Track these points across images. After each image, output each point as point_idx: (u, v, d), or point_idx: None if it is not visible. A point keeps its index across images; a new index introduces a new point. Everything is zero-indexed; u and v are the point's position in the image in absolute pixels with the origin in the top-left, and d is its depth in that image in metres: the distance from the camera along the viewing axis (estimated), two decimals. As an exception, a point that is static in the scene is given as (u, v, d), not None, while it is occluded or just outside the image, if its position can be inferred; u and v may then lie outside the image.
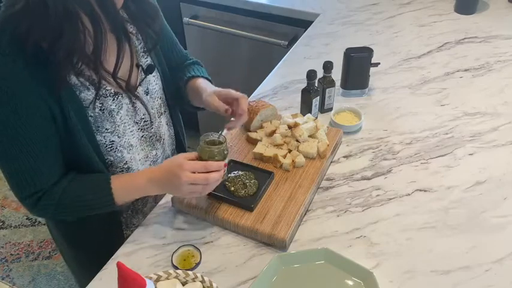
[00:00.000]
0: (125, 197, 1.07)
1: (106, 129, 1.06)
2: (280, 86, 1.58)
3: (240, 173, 1.18)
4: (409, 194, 1.19)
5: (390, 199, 1.18)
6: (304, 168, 1.21)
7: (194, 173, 0.99)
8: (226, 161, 1.07)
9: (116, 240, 1.17)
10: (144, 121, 1.15)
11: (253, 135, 1.30)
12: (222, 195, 1.13)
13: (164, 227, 1.13)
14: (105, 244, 1.16)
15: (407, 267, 1.02)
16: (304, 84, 1.36)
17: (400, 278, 1.00)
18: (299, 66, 1.64)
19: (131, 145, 1.13)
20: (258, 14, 2.09)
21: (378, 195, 1.19)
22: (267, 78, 1.63)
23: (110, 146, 1.09)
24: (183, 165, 0.99)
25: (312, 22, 1.94)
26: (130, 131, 1.12)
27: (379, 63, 1.48)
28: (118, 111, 1.07)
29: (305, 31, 1.89)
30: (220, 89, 1.16)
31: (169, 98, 1.24)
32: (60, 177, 1.04)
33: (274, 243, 1.06)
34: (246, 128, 1.33)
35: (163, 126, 1.23)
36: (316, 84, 1.36)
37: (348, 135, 1.36)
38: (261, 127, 1.32)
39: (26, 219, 2.43)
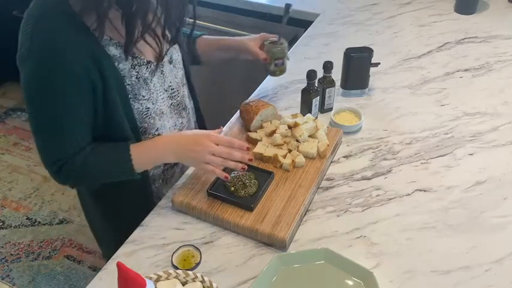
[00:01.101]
0: (143, 162, 1.11)
1: (143, 96, 1.13)
2: (280, 86, 1.58)
3: (240, 173, 1.18)
4: (409, 194, 1.19)
5: (390, 199, 1.18)
6: (304, 168, 1.21)
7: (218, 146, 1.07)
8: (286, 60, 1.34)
9: (145, 209, 1.20)
10: (172, 89, 1.22)
11: (253, 135, 1.30)
12: (222, 195, 1.13)
13: (164, 227, 1.13)
14: (134, 213, 1.20)
15: (407, 267, 1.02)
16: (304, 84, 1.36)
17: (400, 278, 1.00)
18: (299, 66, 1.64)
19: (162, 112, 1.20)
20: (258, 14, 2.09)
21: (378, 195, 1.19)
22: (267, 78, 1.63)
23: (146, 112, 1.15)
24: (210, 135, 1.09)
25: (312, 22, 1.94)
26: (162, 98, 1.19)
27: (379, 63, 1.48)
28: (151, 79, 1.14)
29: (305, 31, 1.89)
30: (254, 36, 1.37)
31: (187, 70, 1.32)
32: (85, 146, 1.09)
33: (274, 243, 1.06)
34: (246, 128, 1.33)
35: (186, 96, 1.31)
36: (316, 84, 1.36)
37: (348, 135, 1.36)
38: (261, 127, 1.32)
39: (26, 219, 2.43)
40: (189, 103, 1.34)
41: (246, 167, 1.13)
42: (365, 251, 1.06)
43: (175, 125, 1.26)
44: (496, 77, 1.59)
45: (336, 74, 1.46)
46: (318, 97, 1.38)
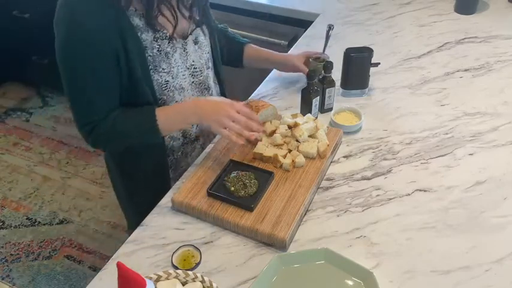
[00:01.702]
0: (168, 123, 1.18)
1: (163, 69, 1.19)
2: (280, 86, 1.58)
3: (240, 173, 1.18)
4: (409, 194, 1.19)
5: (390, 199, 1.18)
6: (304, 168, 1.21)
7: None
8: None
9: (163, 182, 1.31)
10: (194, 68, 1.29)
11: (253, 135, 1.30)
12: (222, 195, 1.13)
13: (164, 227, 1.13)
14: (153, 183, 1.31)
15: (407, 267, 1.02)
16: (304, 84, 1.36)
17: (400, 278, 1.00)
18: (299, 66, 1.64)
19: (182, 88, 1.27)
20: (258, 14, 2.09)
21: (378, 195, 1.19)
22: (267, 78, 1.63)
23: (165, 85, 1.22)
24: (234, 103, 1.16)
25: (312, 22, 1.94)
26: (183, 75, 1.26)
27: (379, 63, 1.48)
28: (173, 54, 1.21)
29: (305, 31, 1.89)
30: (298, 53, 1.50)
31: (215, 58, 1.38)
32: (113, 109, 1.17)
33: (274, 243, 1.06)
34: (246, 128, 1.34)
35: (211, 79, 1.37)
36: (316, 84, 1.36)
37: (348, 135, 1.36)
38: (261, 127, 1.32)
39: (26, 219, 2.43)
40: (214, 87, 1.39)
41: (260, 139, 1.22)
42: (365, 251, 1.06)
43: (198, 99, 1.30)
44: (496, 77, 1.59)
45: (336, 74, 1.46)
46: (318, 97, 1.38)
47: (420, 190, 1.20)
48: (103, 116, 1.16)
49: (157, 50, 1.17)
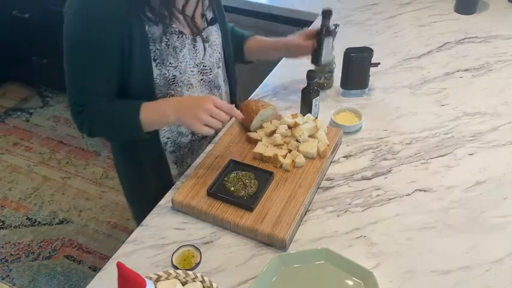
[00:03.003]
0: (150, 120, 1.15)
1: (170, 63, 1.18)
2: (280, 86, 1.58)
3: (240, 173, 1.18)
4: (409, 194, 1.19)
5: (390, 199, 1.18)
6: (304, 168, 1.21)
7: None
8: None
9: (165, 176, 1.32)
10: (204, 65, 1.27)
11: (253, 135, 1.30)
12: (222, 195, 1.13)
13: (164, 227, 1.13)
14: (155, 179, 1.32)
15: (407, 267, 1.02)
16: (304, 84, 1.36)
17: (400, 278, 1.00)
18: (299, 66, 1.64)
19: (191, 84, 1.25)
20: (258, 14, 2.09)
21: (378, 195, 1.19)
22: (267, 78, 1.63)
23: (172, 80, 1.21)
24: (212, 97, 1.13)
25: (312, 22, 1.94)
26: (191, 71, 1.24)
27: (379, 63, 1.48)
28: (181, 49, 1.19)
29: (305, 31, 1.89)
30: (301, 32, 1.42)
31: (227, 55, 1.37)
32: (103, 96, 1.16)
33: (274, 243, 1.06)
34: (246, 128, 1.34)
35: (221, 78, 1.36)
36: (315, 85, 1.36)
37: (348, 135, 1.36)
38: (261, 127, 1.32)
39: (26, 219, 2.43)
40: (223, 86, 1.38)
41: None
42: (365, 251, 1.06)
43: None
44: (496, 77, 1.59)
45: (336, 74, 1.46)
46: (318, 97, 1.38)
47: (420, 190, 1.20)
48: (93, 100, 1.16)
49: (166, 44, 1.16)
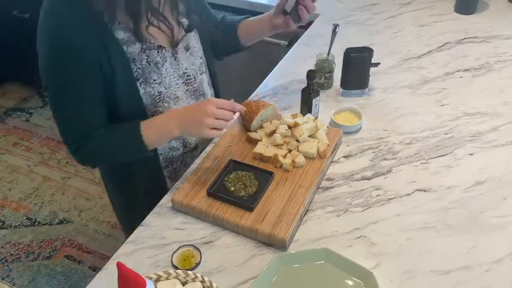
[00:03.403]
0: (153, 138, 1.13)
1: (154, 80, 1.16)
2: (280, 86, 1.58)
3: (240, 173, 1.18)
4: (409, 194, 1.19)
5: (390, 199, 1.18)
6: (304, 168, 1.21)
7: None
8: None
9: (159, 190, 1.25)
10: (187, 75, 1.25)
11: (253, 135, 1.30)
12: (222, 195, 1.13)
13: (164, 227, 1.13)
14: (148, 194, 1.27)
15: (407, 267, 1.02)
16: (304, 84, 1.36)
17: (400, 278, 1.00)
18: (299, 66, 1.64)
19: (177, 97, 1.24)
20: (258, 14, 2.08)
21: (378, 195, 1.19)
22: (267, 78, 1.63)
23: (158, 96, 1.19)
24: (211, 100, 1.10)
25: (312, 22, 1.94)
26: (176, 84, 1.22)
27: (379, 63, 1.48)
28: (163, 64, 1.17)
29: (305, 31, 1.89)
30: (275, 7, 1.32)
31: (209, 60, 1.34)
32: (99, 126, 1.13)
33: (274, 243, 1.06)
34: (246, 128, 1.34)
35: (206, 84, 1.34)
36: (315, 85, 1.36)
37: (348, 135, 1.36)
38: (261, 127, 1.32)
39: (26, 219, 2.43)
40: (209, 90, 1.36)
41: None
42: (365, 251, 1.06)
43: None
44: (496, 77, 1.59)
45: (336, 74, 1.46)
46: (318, 97, 1.38)
47: (420, 190, 1.20)
48: (89, 133, 1.12)
49: (146, 62, 1.13)
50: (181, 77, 1.23)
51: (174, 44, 1.18)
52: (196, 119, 1.08)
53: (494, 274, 1.00)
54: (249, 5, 2.08)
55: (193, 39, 1.25)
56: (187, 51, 1.23)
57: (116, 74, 1.09)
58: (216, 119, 1.08)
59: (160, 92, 1.19)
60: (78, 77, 1.06)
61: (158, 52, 1.15)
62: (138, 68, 1.13)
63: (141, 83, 1.14)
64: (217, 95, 1.42)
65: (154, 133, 1.13)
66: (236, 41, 1.43)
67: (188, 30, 1.23)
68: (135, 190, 1.33)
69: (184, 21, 1.22)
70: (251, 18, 1.43)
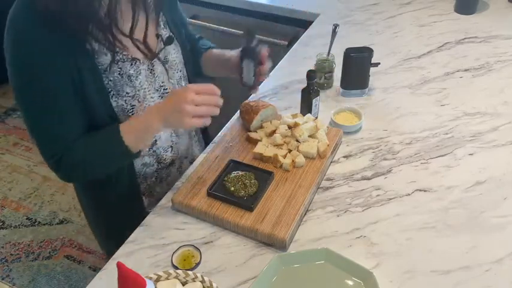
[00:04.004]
0: (135, 138, 1.07)
1: (127, 93, 1.10)
2: (280, 86, 1.58)
3: (240, 173, 1.18)
4: (409, 194, 1.19)
5: (390, 199, 1.18)
6: (304, 168, 1.21)
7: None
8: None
9: (136, 209, 1.23)
10: (164, 89, 1.19)
11: (253, 135, 1.30)
12: (222, 195, 1.13)
13: (164, 227, 1.13)
14: (126, 212, 1.22)
15: (407, 267, 1.02)
16: (304, 84, 1.36)
17: (400, 278, 1.00)
18: (299, 66, 1.64)
19: None
20: (258, 14, 2.09)
21: (378, 195, 1.19)
22: (267, 78, 1.63)
23: (131, 110, 1.13)
24: (188, 87, 1.03)
25: (312, 22, 1.94)
26: (151, 97, 1.16)
27: (379, 63, 1.48)
28: (137, 77, 1.11)
29: (305, 31, 1.89)
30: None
31: (189, 73, 1.29)
32: (77, 137, 1.08)
33: (274, 243, 1.06)
34: (246, 128, 1.34)
35: None
36: (316, 85, 1.36)
37: (348, 135, 1.36)
38: (261, 127, 1.32)
39: (26, 219, 2.43)
40: None
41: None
42: (365, 251, 1.06)
43: None
44: (496, 77, 1.59)
45: (336, 74, 1.46)
46: (318, 97, 1.38)
47: (420, 190, 1.20)
48: (67, 146, 1.07)
49: (119, 74, 1.08)
50: (157, 90, 1.18)
51: (150, 57, 1.12)
52: (176, 108, 1.00)
53: (494, 274, 1.00)
54: (249, 5, 2.08)
55: (173, 52, 1.20)
56: (165, 64, 1.18)
57: (86, 85, 1.04)
58: (198, 106, 1.01)
59: (134, 105, 1.13)
60: (45, 88, 1.01)
61: (132, 64, 1.09)
62: (110, 80, 1.07)
63: (112, 96, 1.09)
64: None
65: (135, 132, 1.07)
66: (199, 68, 1.39)
67: (167, 43, 1.17)
68: (110, 206, 1.27)
69: (164, 33, 1.17)
70: (216, 52, 1.36)
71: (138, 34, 1.07)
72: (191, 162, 1.32)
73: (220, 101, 1.04)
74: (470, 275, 1.00)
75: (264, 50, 1.19)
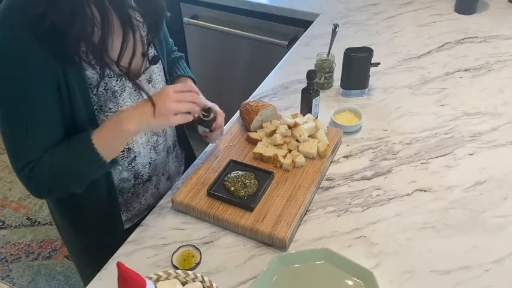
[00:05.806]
0: (109, 145, 1.02)
1: (109, 108, 1.07)
2: (280, 86, 1.58)
3: (240, 173, 1.18)
4: (409, 194, 1.19)
5: (390, 199, 1.18)
6: (304, 168, 1.21)
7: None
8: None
9: (115, 224, 1.19)
10: None
11: (253, 135, 1.30)
12: (222, 195, 1.13)
13: (164, 227, 1.13)
14: (104, 229, 1.19)
15: (407, 267, 1.02)
16: (304, 84, 1.36)
17: (400, 278, 1.00)
18: (299, 66, 1.64)
19: None
20: (258, 14, 2.09)
21: (378, 195, 1.19)
22: (267, 78, 1.63)
23: None
24: (167, 87, 1.04)
25: (312, 22, 1.94)
26: None
27: (379, 63, 1.48)
28: (121, 93, 1.08)
29: (305, 31, 1.89)
30: (205, 101, 1.21)
31: None
32: (49, 148, 1.02)
33: (274, 243, 1.06)
34: (246, 128, 1.34)
35: None
36: (315, 85, 1.36)
37: (348, 135, 1.36)
38: (261, 127, 1.32)
39: (26, 219, 2.43)
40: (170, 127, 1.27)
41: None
42: (365, 251, 1.06)
43: (149, 141, 1.20)
44: (496, 77, 1.59)
45: (336, 74, 1.46)
46: (318, 97, 1.38)
47: (420, 190, 1.20)
48: (38, 156, 1.01)
49: (104, 89, 1.04)
50: None
51: (133, 77, 1.09)
52: (158, 107, 1.00)
53: (494, 274, 1.00)
54: (249, 5, 2.08)
55: (156, 72, 1.17)
56: (149, 83, 1.15)
57: (74, 99, 1.00)
58: (181, 103, 1.02)
59: None
60: (32, 99, 0.96)
61: (117, 81, 1.06)
62: (94, 95, 1.03)
63: (94, 110, 1.05)
64: (178, 127, 1.34)
65: (107, 139, 1.02)
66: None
67: (152, 62, 1.14)
68: (88, 222, 1.23)
69: (151, 53, 1.14)
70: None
71: (123, 61, 1.03)
72: (168, 179, 1.31)
73: (198, 98, 1.07)
74: (470, 275, 1.00)
75: (219, 120, 1.20)
